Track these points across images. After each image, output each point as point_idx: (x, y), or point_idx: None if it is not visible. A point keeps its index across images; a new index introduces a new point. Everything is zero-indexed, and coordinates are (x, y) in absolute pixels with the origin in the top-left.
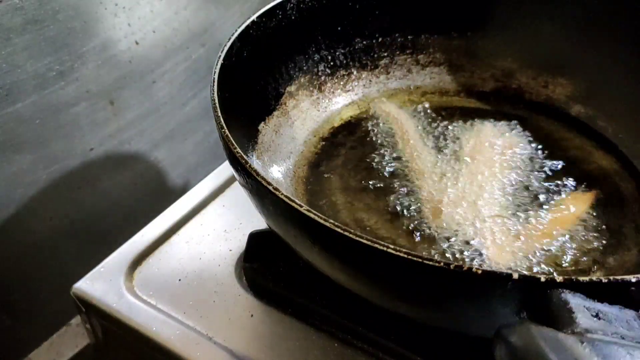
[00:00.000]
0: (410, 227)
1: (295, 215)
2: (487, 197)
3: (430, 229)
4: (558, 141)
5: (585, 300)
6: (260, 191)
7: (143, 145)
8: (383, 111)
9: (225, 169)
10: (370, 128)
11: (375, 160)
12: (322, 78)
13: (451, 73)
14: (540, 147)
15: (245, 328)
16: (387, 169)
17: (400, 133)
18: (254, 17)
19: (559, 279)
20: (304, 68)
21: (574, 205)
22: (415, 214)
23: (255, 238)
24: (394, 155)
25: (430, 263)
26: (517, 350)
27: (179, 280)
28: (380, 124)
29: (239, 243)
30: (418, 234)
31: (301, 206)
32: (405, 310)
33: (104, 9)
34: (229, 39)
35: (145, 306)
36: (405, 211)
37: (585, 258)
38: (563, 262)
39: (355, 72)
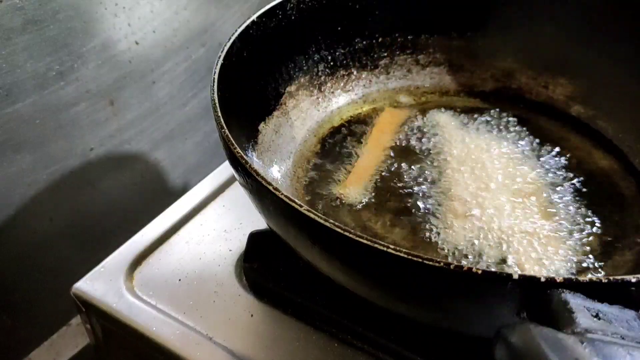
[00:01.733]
0: (413, 227)
1: (295, 215)
2: (496, 201)
3: (434, 229)
4: (558, 141)
5: (585, 300)
6: (260, 191)
7: (143, 145)
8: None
9: (225, 169)
10: (370, 127)
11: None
12: (322, 78)
13: (451, 73)
14: (540, 147)
15: (245, 328)
16: (387, 168)
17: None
18: (254, 17)
19: (559, 279)
20: (304, 68)
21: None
22: (418, 214)
23: (255, 238)
24: (395, 154)
25: (431, 263)
26: (517, 350)
27: (179, 280)
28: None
29: (239, 243)
30: (422, 233)
31: (301, 206)
32: (405, 310)
33: (104, 9)
34: (229, 39)
35: (145, 306)
36: (407, 211)
37: (585, 258)
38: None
39: (355, 72)
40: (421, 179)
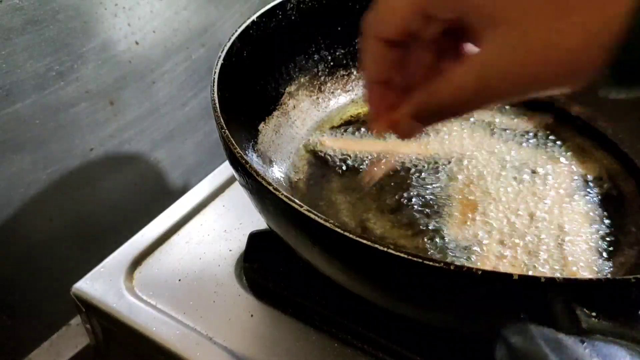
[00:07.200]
0: (414, 224)
1: (295, 215)
2: (495, 199)
3: (436, 232)
4: (558, 141)
5: (585, 301)
6: (260, 191)
7: (143, 145)
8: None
9: (225, 169)
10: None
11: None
12: (322, 78)
13: None
14: (539, 147)
15: (245, 328)
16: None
17: None
18: (254, 17)
19: (559, 279)
20: (304, 68)
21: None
22: (417, 214)
23: (255, 238)
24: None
25: (431, 263)
26: (517, 351)
27: (179, 280)
28: None
29: (239, 243)
30: (424, 237)
31: (301, 206)
32: (406, 311)
33: (104, 9)
34: (229, 39)
35: (145, 306)
36: (407, 211)
37: (585, 258)
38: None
39: (355, 72)
40: (425, 180)
